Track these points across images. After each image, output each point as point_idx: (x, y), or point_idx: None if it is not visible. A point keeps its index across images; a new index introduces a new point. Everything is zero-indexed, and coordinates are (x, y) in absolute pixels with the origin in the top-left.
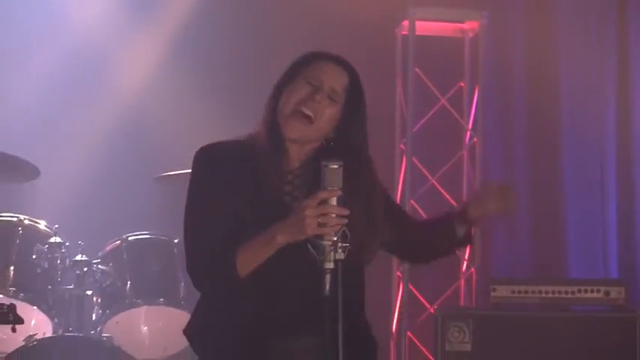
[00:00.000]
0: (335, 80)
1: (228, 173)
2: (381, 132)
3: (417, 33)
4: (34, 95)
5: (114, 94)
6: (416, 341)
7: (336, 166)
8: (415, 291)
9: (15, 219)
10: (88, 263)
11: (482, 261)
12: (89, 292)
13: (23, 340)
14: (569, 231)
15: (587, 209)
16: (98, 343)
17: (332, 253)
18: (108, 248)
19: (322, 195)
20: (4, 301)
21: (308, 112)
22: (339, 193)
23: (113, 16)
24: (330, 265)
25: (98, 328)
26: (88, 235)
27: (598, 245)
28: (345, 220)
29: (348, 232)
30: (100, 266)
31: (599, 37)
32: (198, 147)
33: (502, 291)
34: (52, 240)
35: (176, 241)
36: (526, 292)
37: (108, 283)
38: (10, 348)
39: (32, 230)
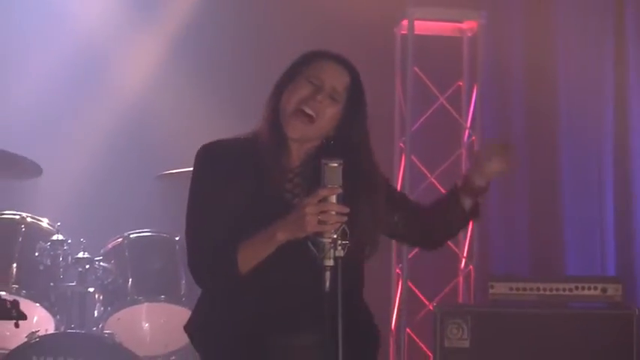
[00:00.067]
0: (336, 79)
1: (229, 171)
2: (381, 130)
3: (416, 32)
4: (37, 94)
5: (116, 94)
6: (415, 338)
7: (336, 165)
8: (414, 288)
9: (18, 216)
10: (90, 260)
11: (480, 258)
12: (91, 289)
13: (26, 337)
14: (567, 229)
15: (585, 207)
16: (100, 339)
17: (332, 251)
18: (110, 246)
19: (322, 193)
20: (7, 298)
21: (309, 112)
22: (340, 190)
23: (115, 15)
24: (330, 263)
25: (100, 325)
26: (90, 233)
27: (595, 243)
28: (345, 218)
29: (347, 230)
30: (101, 263)
31: (597, 37)
32: (200, 145)
33: (500, 288)
34: (55, 237)
35: (177, 238)
36: (524, 289)
37: (110, 280)
38: (13, 344)
39: (35, 228)
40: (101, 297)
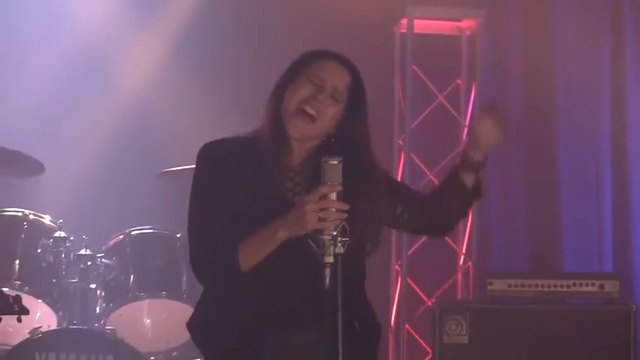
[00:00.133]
0: (337, 79)
1: (230, 170)
2: (380, 128)
3: (415, 31)
4: (39, 93)
5: (117, 93)
6: (414, 334)
7: (335, 162)
8: (413, 284)
9: (20, 214)
10: (92, 257)
11: (479, 255)
12: (93, 286)
13: (28, 333)
14: (565, 226)
15: (583, 205)
16: (102, 335)
17: (332, 248)
18: (111, 242)
19: (323, 190)
20: (9, 293)
21: (311, 112)
22: (339, 188)
23: (116, 15)
24: (330, 260)
25: (102, 321)
26: (92, 230)
27: (593, 240)
28: (345, 215)
29: (347, 227)
30: (103, 260)
31: (595, 36)
32: (201, 144)
33: (499, 285)
34: (57, 234)
35: (178, 235)
36: (522, 285)
37: (111, 276)
38: (16, 340)
39: (37, 225)
40: (103, 293)
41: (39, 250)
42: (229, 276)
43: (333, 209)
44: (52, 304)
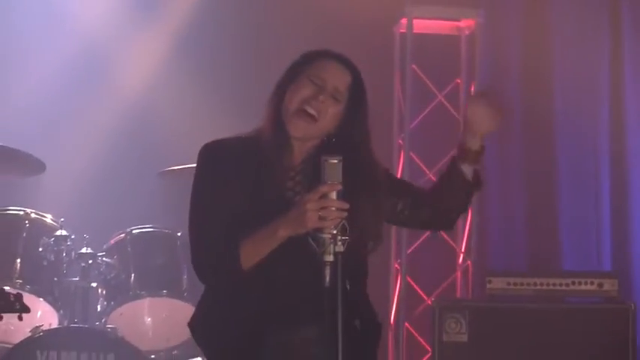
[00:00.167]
0: (338, 79)
1: (231, 169)
2: (380, 127)
3: (414, 31)
4: (40, 93)
5: (118, 92)
6: (413, 332)
7: (335, 161)
8: (413, 283)
9: (22, 212)
10: (93, 256)
11: (478, 254)
12: (94, 284)
13: (30, 331)
14: (564, 225)
15: (582, 204)
16: (103, 334)
17: (332, 246)
18: (112, 241)
19: (323, 189)
20: (10, 291)
21: (312, 112)
22: (339, 187)
23: (117, 14)
24: (330, 258)
25: (103, 320)
26: (93, 229)
27: (592, 238)
28: (345, 214)
29: (347, 226)
30: (104, 259)
31: (594, 36)
32: (201, 143)
33: (498, 283)
34: (58, 233)
35: (179, 234)
36: (521, 284)
37: (112, 275)
38: (18, 338)
39: (39, 223)
40: (104, 292)
41: (40, 249)
42: (231, 275)
43: (333, 208)
44: (54, 303)
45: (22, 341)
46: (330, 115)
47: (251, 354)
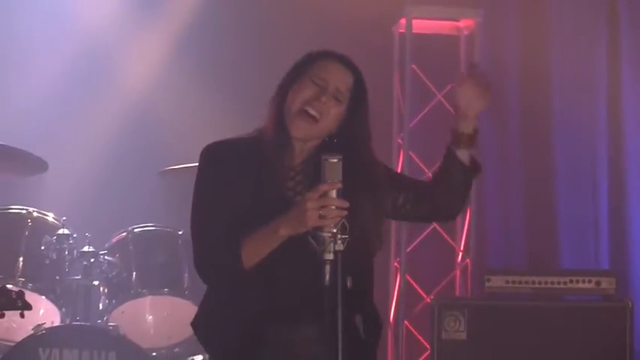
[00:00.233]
0: (340, 80)
1: (232, 170)
2: (379, 127)
3: (414, 31)
4: (42, 92)
5: (120, 91)
6: (413, 330)
7: (335, 160)
8: (412, 281)
9: (24, 211)
10: (95, 254)
11: (477, 252)
12: (96, 283)
13: (32, 329)
14: (562, 224)
15: (579, 203)
16: (104, 331)
17: (332, 245)
18: (114, 240)
19: (323, 188)
20: (12, 289)
21: (313, 113)
22: (339, 185)
23: (120, 15)
24: (330, 256)
25: (104, 318)
26: (95, 227)
27: (590, 237)
28: (345, 212)
29: (347, 224)
30: (106, 257)
31: (591, 36)
32: (202, 142)
33: (497, 281)
34: (60, 232)
35: (180, 232)
36: (520, 282)
37: (114, 273)
38: (20, 336)
39: (41, 222)
40: (106, 290)
41: (42, 248)
42: (232, 274)
43: (333, 206)
44: (56, 301)
45: (24, 339)
46: (331, 115)
47: (252, 353)
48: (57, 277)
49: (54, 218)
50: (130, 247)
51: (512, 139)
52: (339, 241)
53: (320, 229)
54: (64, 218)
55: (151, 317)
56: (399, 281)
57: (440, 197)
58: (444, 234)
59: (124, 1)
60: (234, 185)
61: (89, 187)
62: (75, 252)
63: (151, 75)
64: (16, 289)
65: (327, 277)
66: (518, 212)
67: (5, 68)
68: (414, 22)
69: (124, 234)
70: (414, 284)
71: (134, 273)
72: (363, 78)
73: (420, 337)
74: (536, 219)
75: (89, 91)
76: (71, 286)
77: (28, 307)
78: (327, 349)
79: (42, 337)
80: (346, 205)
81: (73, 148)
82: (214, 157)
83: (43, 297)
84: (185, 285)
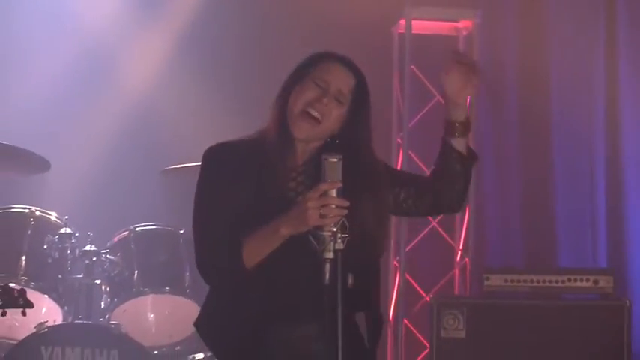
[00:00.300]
0: (342, 82)
1: (234, 172)
2: (379, 127)
3: (413, 32)
4: (44, 92)
5: (122, 91)
6: (412, 328)
7: (335, 160)
8: (411, 280)
9: (27, 210)
10: (97, 253)
11: (476, 251)
12: (98, 281)
13: (34, 327)
14: (560, 223)
15: (577, 202)
16: (106, 330)
17: (332, 244)
18: (116, 239)
19: (323, 187)
20: (14, 287)
21: (315, 114)
22: (340, 185)
23: (121, 14)
24: (330, 255)
25: (106, 316)
26: (97, 226)
27: (587, 236)
28: (345, 212)
29: (347, 223)
30: (108, 256)
31: (589, 36)
32: (204, 142)
33: (495, 280)
34: (63, 231)
35: (182, 231)
36: (518, 280)
37: (116, 272)
38: (22, 334)
39: (43, 221)
40: (108, 288)
41: (45, 246)
42: (234, 274)
43: (334, 205)
44: (58, 299)
45: (26, 337)
46: (333, 117)
47: (254, 351)
48: (59, 276)
49: (56, 217)
50: (132, 246)
51: (511, 138)
52: (340, 240)
53: (320, 228)
54: (67, 217)
55: (152, 315)
56: (399, 280)
57: (441, 190)
58: (443, 233)
59: (125, 1)
60: (236, 186)
61: (91, 186)
62: (77, 251)
63: (153, 74)
64: (18, 287)
65: (327, 275)
66: (517, 211)
67: (7, 68)
68: (414, 22)
69: (126, 233)
70: (414, 283)
71: (136, 272)
72: (366, 80)
73: (420, 336)
74: (534, 218)
75: (91, 90)
76: (73, 284)
77: (30, 304)
78: (328, 346)
79: (44, 336)
80: (346, 204)
81: (75, 148)
82: (216, 158)
83: (46, 295)
84: (186, 283)
